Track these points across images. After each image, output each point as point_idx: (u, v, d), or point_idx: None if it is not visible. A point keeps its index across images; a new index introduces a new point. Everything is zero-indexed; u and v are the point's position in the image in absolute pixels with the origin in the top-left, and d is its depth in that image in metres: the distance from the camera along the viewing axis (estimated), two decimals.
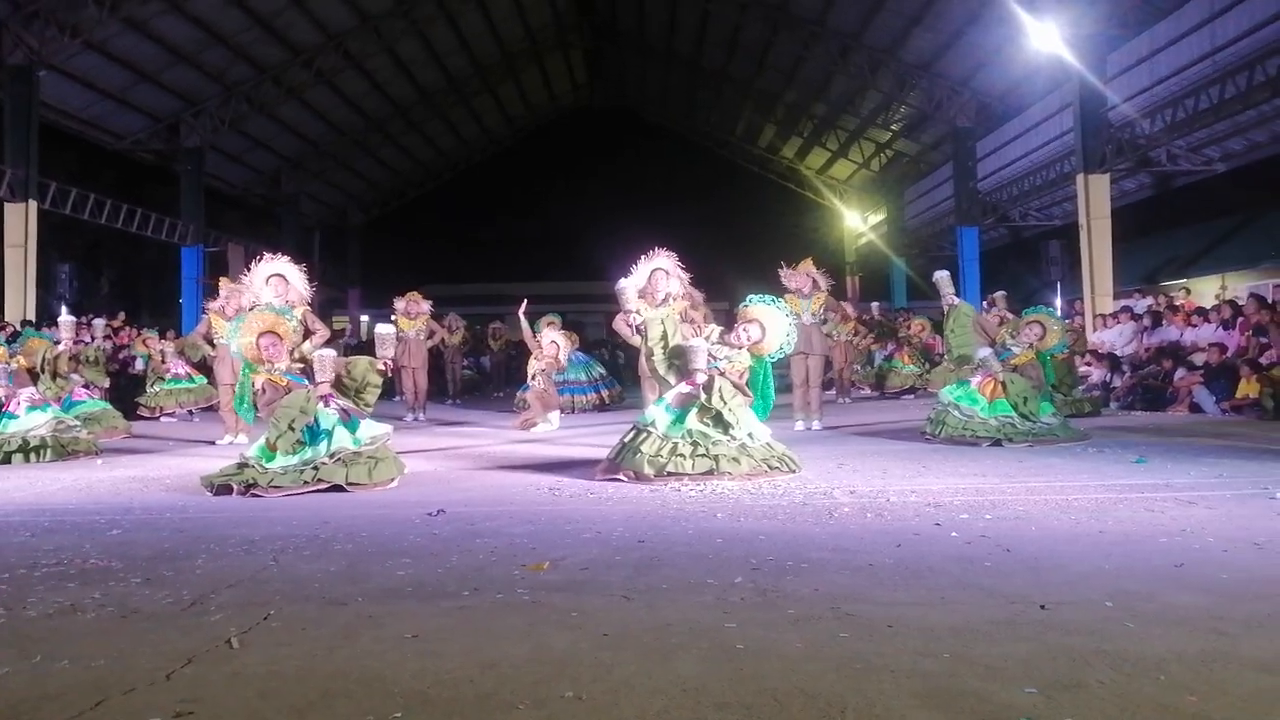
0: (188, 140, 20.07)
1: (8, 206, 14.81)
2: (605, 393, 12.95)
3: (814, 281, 9.18)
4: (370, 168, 28.45)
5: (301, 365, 6.17)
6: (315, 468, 5.60)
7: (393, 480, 5.82)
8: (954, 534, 3.98)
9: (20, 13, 14.70)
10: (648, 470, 5.62)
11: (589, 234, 30.02)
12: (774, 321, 6.16)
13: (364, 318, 31.28)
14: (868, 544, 3.82)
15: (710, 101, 28.87)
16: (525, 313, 10.35)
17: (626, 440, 5.92)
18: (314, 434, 5.78)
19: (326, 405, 5.88)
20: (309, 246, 28.26)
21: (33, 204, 14.98)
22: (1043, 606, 2.84)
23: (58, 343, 8.94)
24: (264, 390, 6.04)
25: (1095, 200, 15.45)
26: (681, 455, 5.64)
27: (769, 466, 5.74)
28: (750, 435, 5.82)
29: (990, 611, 2.82)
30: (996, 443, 7.29)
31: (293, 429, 5.71)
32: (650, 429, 5.81)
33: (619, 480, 5.70)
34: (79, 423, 8.30)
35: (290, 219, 25.81)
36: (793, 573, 3.35)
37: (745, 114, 28.65)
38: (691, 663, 2.40)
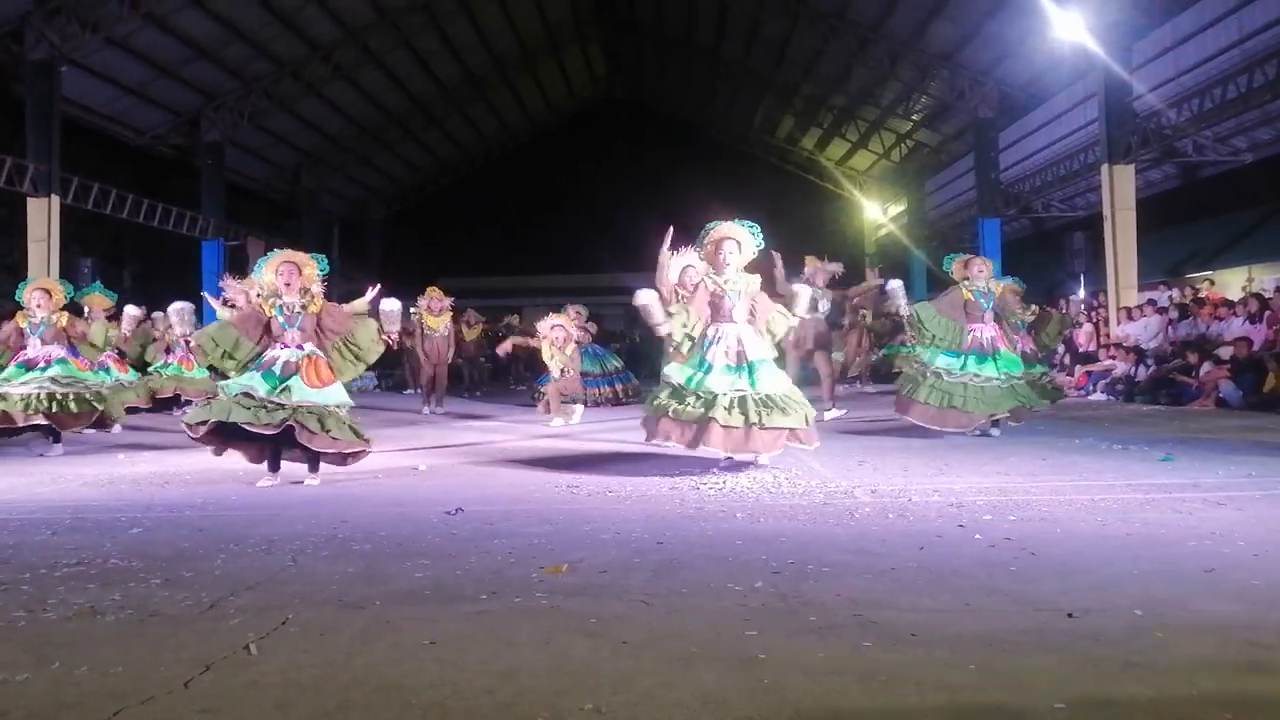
0: (208, 135, 20.16)
1: (30, 201, 14.93)
2: (620, 387, 12.84)
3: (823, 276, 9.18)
4: (389, 163, 28.49)
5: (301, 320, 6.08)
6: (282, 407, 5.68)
7: (362, 448, 5.91)
8: (978, 536, 3.92)
9: (43, 8, 14.79)
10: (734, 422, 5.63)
11: (608, 227, 29.93)
12: (743, 234, 6.25)
13: None
14: (890, 546, 3.77)
15: (729, 94, 28.70)
16: (516, 332, 10.62)
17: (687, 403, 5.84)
18: (269, 377, 5.82)
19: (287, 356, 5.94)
20: (329, 241, 28.35)
21: (55, 199, 15.10)
22: (1070, 615, 2.78)
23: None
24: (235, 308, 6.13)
25: (1120, 191, 15.24)
26: (750, 409, 5.67)
27: (794, 414, 5.78)
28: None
29: (1016, 620, 2.77)
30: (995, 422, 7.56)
31: (233, 357, 5.92)
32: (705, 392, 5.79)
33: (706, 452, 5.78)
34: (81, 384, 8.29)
35: (310, 214, 25.90)
36: (814, 577, 3.31)
37: (764, 106, 28.46)
38: (713, 673, 2.36)
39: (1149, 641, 2.55)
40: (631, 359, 15.50)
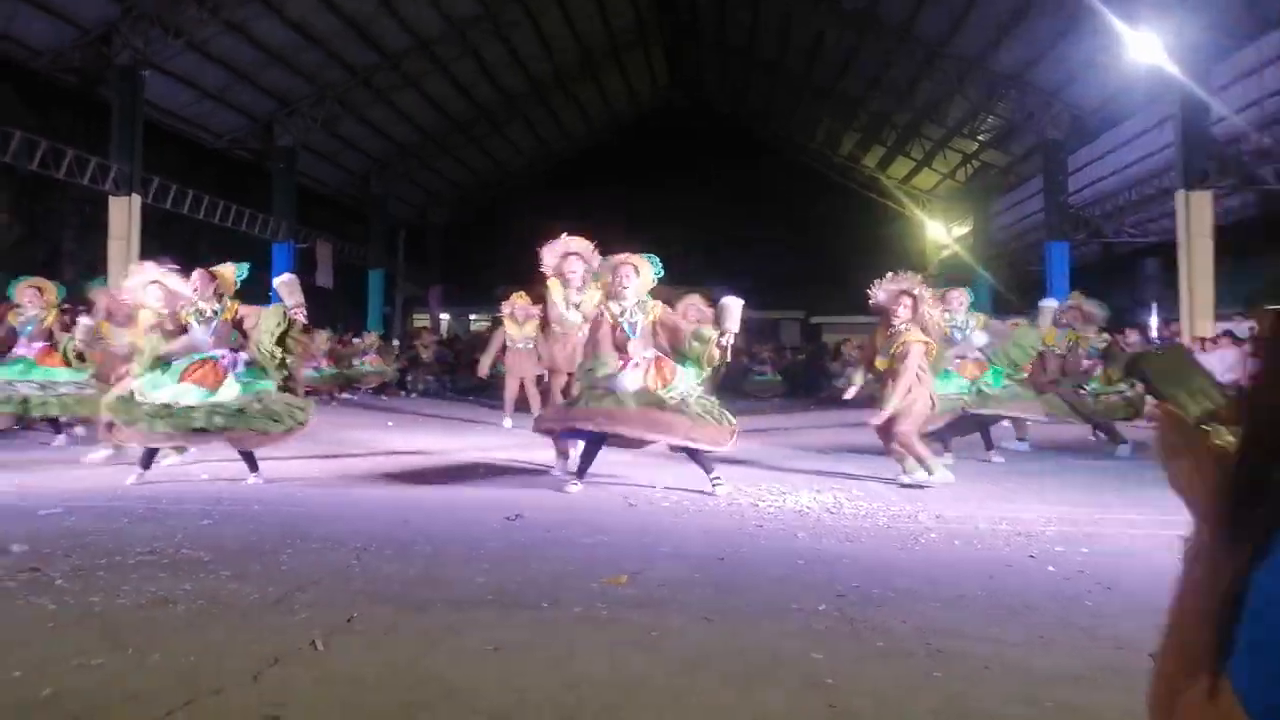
0: (281, 139, 20.69)
1: (112, 200, 15.44)
2: None
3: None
4: (452, 168, 28.92)
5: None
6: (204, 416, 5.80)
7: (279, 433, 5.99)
8: (1051, 568, 3.81)
9: (129, 15, 15.33)
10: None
11: (667, 236, 29.97)
12: (640, 261, 6.27)
13: (444, 316, 31.83)
14: (958, 574, 3.68)
15: (791, 107, 28.60)
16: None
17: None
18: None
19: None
20: (394, 245, 28.86)
21: (136, 198, 15.60)
22: (1151, 655, 2.67)
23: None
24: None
25: (1196, 218, 14.78)
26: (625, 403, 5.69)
27: (714, 418, 5.69)
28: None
29: (1094, 656, 2.67)
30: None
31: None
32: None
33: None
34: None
35: (377, 218, 26.42)
36: (880, 602, 3.24)
37: (826, 120, 28.29)
38: (778, 694, 2.32)
39: None
40: None
